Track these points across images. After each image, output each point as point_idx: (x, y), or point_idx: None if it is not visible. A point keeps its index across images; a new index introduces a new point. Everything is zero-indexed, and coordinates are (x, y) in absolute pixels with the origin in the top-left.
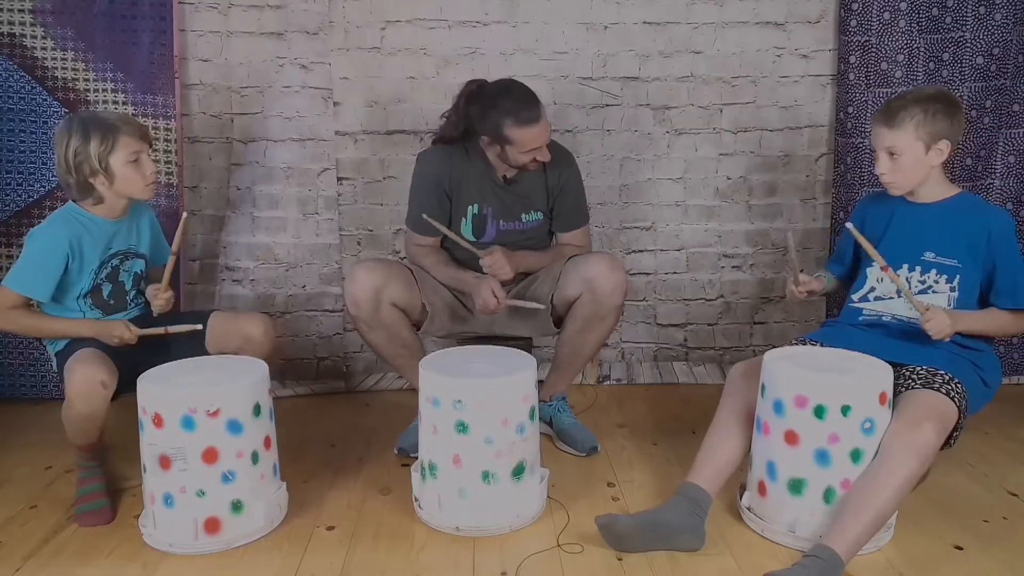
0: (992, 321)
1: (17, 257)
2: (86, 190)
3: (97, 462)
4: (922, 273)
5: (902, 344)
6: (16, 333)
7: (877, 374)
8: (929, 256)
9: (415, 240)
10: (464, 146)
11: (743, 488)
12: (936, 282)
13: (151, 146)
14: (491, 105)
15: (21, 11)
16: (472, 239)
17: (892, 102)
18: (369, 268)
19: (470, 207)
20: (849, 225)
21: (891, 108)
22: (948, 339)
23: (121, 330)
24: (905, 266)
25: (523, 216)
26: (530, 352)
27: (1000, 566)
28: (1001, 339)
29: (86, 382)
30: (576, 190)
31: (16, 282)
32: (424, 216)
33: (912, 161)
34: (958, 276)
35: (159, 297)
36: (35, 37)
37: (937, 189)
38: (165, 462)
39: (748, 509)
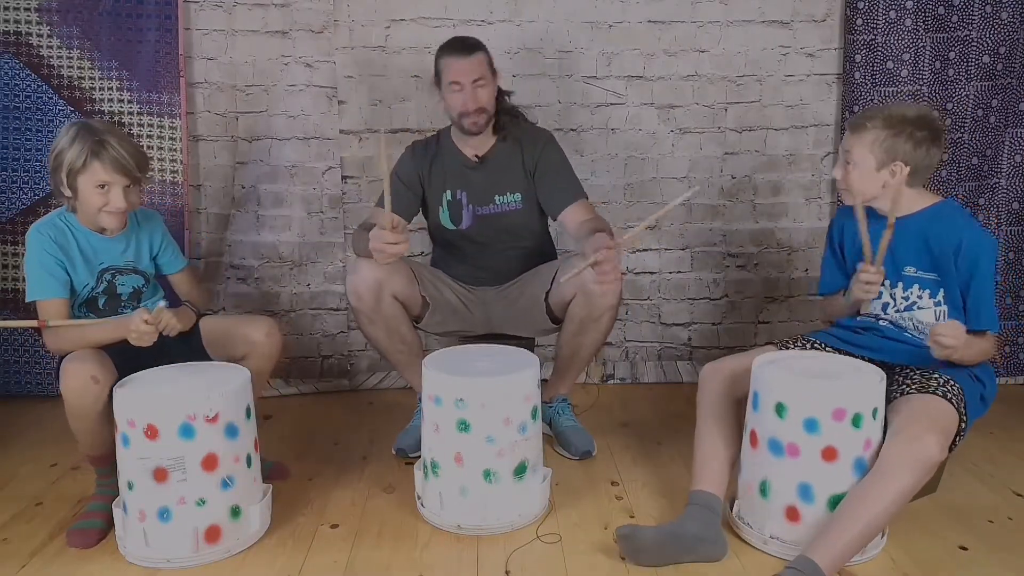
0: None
1: (22, 255)
2: (60, 194)
3: (115, 479)
4: (905, 289)
5: (899, 346)
6: (66, 349)
7: (867, 380)
8: (910, 271)
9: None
10: (438, 136)
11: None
12: (920, 297)
13: (138, 184)
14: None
15: (27, 9)
16: (452, 227)
17: (868, 110)
18: (371, 261)
19: (444, 194)
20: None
21: (862, 115)
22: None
23: (137, 323)
24: (887, 282)
25: (497, 198)
26: (532, 351)
27: (1005, 567)
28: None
29: (75, 377)
30: (557, 165)
31: (32, 291)
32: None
33: (860, 173)
34: (941, 290)
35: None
36: (41, 35)
37: (908, 202)
38: (160, 475)
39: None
